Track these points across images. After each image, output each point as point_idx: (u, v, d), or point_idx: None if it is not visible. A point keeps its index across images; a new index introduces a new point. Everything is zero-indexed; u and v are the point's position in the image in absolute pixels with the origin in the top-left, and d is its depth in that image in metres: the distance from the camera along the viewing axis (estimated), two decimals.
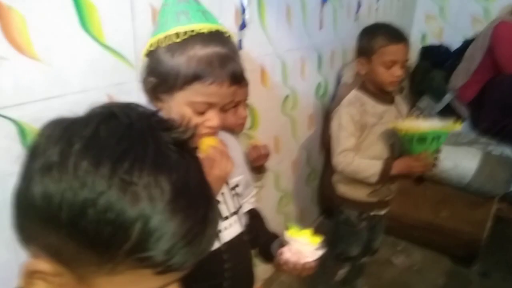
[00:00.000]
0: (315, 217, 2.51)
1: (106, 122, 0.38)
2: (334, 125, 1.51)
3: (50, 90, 0.84)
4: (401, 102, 1.60)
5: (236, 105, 1.11)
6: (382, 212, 1.66)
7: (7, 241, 0.66)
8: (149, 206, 0.36)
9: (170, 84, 0.74)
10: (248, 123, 1.48)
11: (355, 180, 1.50)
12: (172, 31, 0.73)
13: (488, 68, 2.50)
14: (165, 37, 0.73)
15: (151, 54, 0.76)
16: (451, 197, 2.26)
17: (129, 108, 0.41)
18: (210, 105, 0.77)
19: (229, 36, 0.78)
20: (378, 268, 2.14)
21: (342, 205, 1.64)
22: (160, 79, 0.75)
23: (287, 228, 0.87)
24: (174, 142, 0.40)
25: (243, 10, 1.34)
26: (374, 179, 1.45)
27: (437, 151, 1.43)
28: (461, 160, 2.27)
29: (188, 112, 0.76)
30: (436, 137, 1.36)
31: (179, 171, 0.39)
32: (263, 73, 1.60)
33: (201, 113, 0.77)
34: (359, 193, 1.56)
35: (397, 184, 1.60)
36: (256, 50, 1.49)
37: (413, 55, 2.97)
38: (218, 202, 0.45)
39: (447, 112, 2.66)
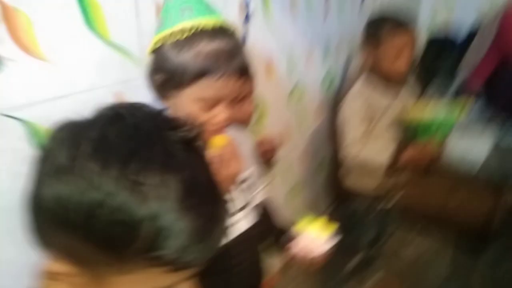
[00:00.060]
0: (326, 206, 2.51)
1: (113, 124, 0.38)
2: (340, 118, 1.50)
3: (57, 89, 0.85)
4: (410, 88, 1.59)
5: (242, 99, 1.10)
6: (390, 204, 1.66)
7: (18, 241, 0.68)
8: (158, 205, 0.36)
9: (178, 81, 0.75)
10: (255, 117, 1.48)
11: (363, 173, 1.50)
12: (177, 27, 0.73)
13: (497, 54, 2.46)
14: (170, 34, 0.73)
15: (157, 51, 0.76)
16: (460, 187, 2.23)
17: (135, 109, 0.41)
18: (218, 100, 0.77)
19: (233, 30, 0.78)
20: (387, 259, 2.14)
21: (351, 197, 1.63)
22: (167, 76, 0.76)
23: (300, 219, 0.86)
24: (181, 141, 0.40)
25: (247, 3, 1.33)
26: (382, 170, 1.44)
27: (443, 140, 1.41)
28: (470, 149, 2.25)
29: (196, 108, 0.76)
30: (441, 126, 1.35)
31: (187, 170, 0.39)
32: (268, 65, 1.59)
33: (210, 108, 0.77)
34: (368, 184, 1.56)
35: (404, 176, 1.59)
36: (261, 43, 1.48)
37: (420, 46, 2.92)
38: (227, 200, 0.45)
39: (461, 92, 2.61)
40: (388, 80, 1.47)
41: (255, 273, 1.01)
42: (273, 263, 1.57)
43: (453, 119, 1.37)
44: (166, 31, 0.74)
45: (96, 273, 0.38)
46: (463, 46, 2.72)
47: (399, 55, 1.39)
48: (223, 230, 0.44)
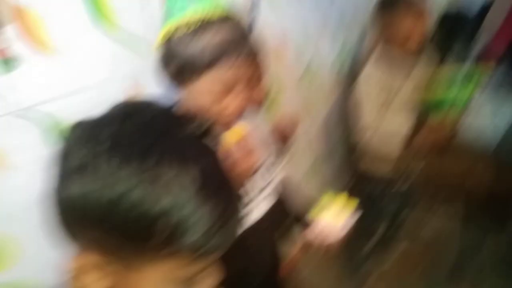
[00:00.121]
0: (347, 180, 2.51)
1: (127, 121, 0.39)
2: (354, 98, 1.48)
3: (73, 84, 0.86)
4: (422, 69, 1.55)
5: (254, 84, 1.10)
6: (407, 185, 1.64)
7: (41, 236, 0.71)
8: (178, 197, 0.37)
9: (187, 75, 0.75)
10: (269, 99, 1.48)
11: (378, 154, 1.48)
12: (183, 20, 0.73)
13: None
14: (176, 28, 0.73)
15: (165, 46, 0.76)
16: (479, 162, 2.20)
17: (146, 105, 0.42)
18: (230, 90, 0.77)
19: (239, 18, 0.77)
20: (405, 239, 2.13)
21: (366, 181, 1.62)
22: (177, 69, 0.76)
23: (320, 198, 0.86)
24: (194, 134, 0.41)
25: None
26: (397, 151, 1.42)
27: (460, 115, 1.38)
28: (488, 123, 2.20)
29: (207, 100, 0.76)
30: (455, 103, 1.32)
31: (202, 161, 0.40)
32: (279, 47, 1.57)
33: (222, 99, 0.77)
34: (382, 167, 1.54)
35: (421, 155, 1.56)
36: (271, 24, 1.46)
37: (433, 19, 2.83)
38: (240, 189, 0.46)
39: (484, 54, 2.53)
40: (402, 55, 1.43)
41: (272, 259, 1.02)
42: (291, 247, 1.58)
43: (469, 92, 1.34)
44: (173, 24, 0.74)
45: (125, 263, 0.40)
46: (480, 14, 2.62)
47: (413, 29, 1.35)
48: (240, 217, 0.45)
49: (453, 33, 2.69)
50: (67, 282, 0.44)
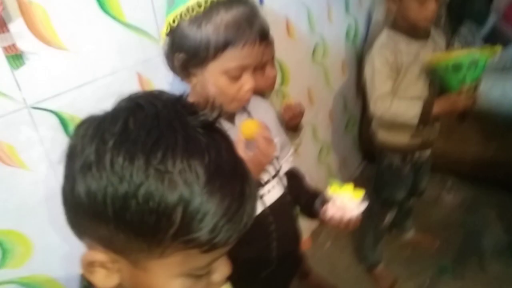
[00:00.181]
0: (358, 164, 2.50)
1: (133, 115, 0.39)
2: (368, 69, 1.45)
3: (81, 77, 0.86)
4: (437, 35, 1.50)
5: (264, 65, 1.09)
6: (427, 153, 1.62)
7: (59, 228, 0.72)
8: (187, 190, 0.37)
9: (202, 56, 0.74)
10: (278, 80, 1.46)
11: (396, 124, 1.46)
12: (191, 2, 0.72)
13: None
14: (187, 10, 0.72)
15: (174, 30, 0.75)
16: (500, 128, 2.14)
17: (153, 97, 0.41)
18: (244, 68, 0.77)
19: None
20: (428, 208, 2.13)
21: (384, 151, 1.61)
22: (189, 53, 0.75)
23: (329, 184, 0.87)
24: (201, 125, 0.41)
25: None
26: (414, 121, 1.39)
27: (478, 79, 1.33)
28: (510, 88, 2.13)
29: (223, 80, 0.76)
30: (473, 64, 1.27)
31: (211, 153, 0.39)
32: (288, 24, 1.54)
33: (237, 79, 0.77)
34: (400, 137, 1.52)
35: (440, 122, 1.53)
36: (278, 1, 1.43)
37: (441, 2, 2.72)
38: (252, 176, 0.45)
39: (492, 37, 2.46)
40: (415, 28, 1.39)
41: (293, 236, 1.04)
42: (304, 227, 1.59)
43: (486, 55, 1.28)
44: (180, 8, 0.72)
45: (135, 259, 0.40)
46: None
47: (425, 1, 1.30)
48: (254, 207, 0.44)
49: (461, 16, 2.60)
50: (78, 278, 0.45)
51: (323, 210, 0.87)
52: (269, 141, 0.81)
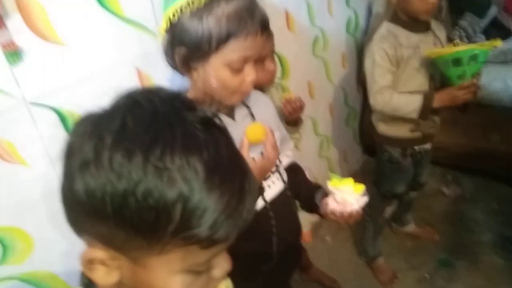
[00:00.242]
0: (358, 157, 2.50)
1: (131, 112, 0.39)
2: (368, 62, 1.44)
3: (80, 72, 0.86)
4: (438, 27, 1.49)
5: (263, 59, 1.08)
6: (427, 146, 1.62)
7: (58, 224, 0.72)
8: (186, 187, 0.37)
9: (204, 50, 0.74)
10: (278, 74, 1.45)
11: (396, 117, 1.45)
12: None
13: None
14: (187, 3, 0.71)
15: (174, 25, 0.74)
16: (501, 120, 2.13)
17: (151, 94, 0.41)
18: (246, 60, 0.76)
19: None
20: (429, 200, 2.13)
21: (385, 144, 1.60)
22: (191, 47, 0.74)
23: (329, 178, 0.87)
24: (200, 120, 0.40)
25: None
26: (415, 115, 1.39)
27: (478, 73, 1.33)
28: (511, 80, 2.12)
29: (226, 73, 0.76)
30: (473, 57, 1.26)
31: (209, 149, 0.39)
32: (288, 17, 1.53)
33: (239, 71, 0.77)
34: (401, 130, 1.52)
35: (441, 115, 1.53)
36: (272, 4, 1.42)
37: None
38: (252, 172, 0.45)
39: (494, 28, 2.44)
40: (415, 21, 1.38)
41: (294, 229, 1.04)
42: (304, 220, 1.59)
43: (485, 48, 1.27)
44: (180, 2, 0.72)
45: (135, 256, 0.40)
46: None
47: (423, 3, 1.30)
48: (254, 203, 0.44)
49: (462, 8, 2.57)
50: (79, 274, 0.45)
51: (323, 204, 0.87)
52: (275, 147, 0.81)
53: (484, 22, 2.55)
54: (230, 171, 0.41)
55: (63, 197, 0.41)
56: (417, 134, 1.52)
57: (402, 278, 1.79)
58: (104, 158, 0.36)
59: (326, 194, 0.88)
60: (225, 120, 0.83)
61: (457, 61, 1.28)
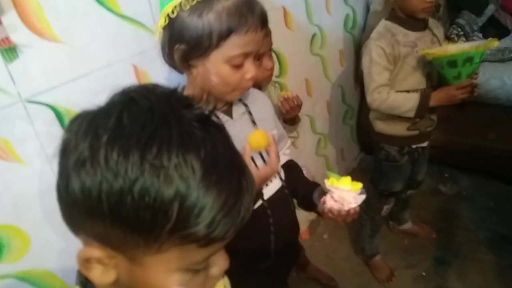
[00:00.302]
0: (356, 155, 2.50)
1: (127, 110, 0.38)
2: (365, 60, 1.44)
3: (76, 70, 0.85)
4: (436, 25, 1.49)
5: (260, 57, 1.08)
6: (424, 144, 1.62)
7: (54, 222, 0.72)
8: (183, 185, 0.37)
9: (205, 46, 0.73)
10: (276, 72, 1.45)
11: (393, 116, 1.45)
12: None
13: None
14: (181, 4, 0.71)
15: (173, 22, 0.74)
16: (499, 118, 2.14)
17: (147, 91, 0.41)
18: (247, 55, 0.76)
19: None
20: (426, 198, 2.14)
21: (382, 142, 1.60)
22: (191, 44, 0.74)
23: (327, 176, 0.87)
24: (196, 118, 0.40)
25: None
26: (411, 113, 1.39)
27: (474, 72, 1.33)
28: (509, 77, 2.12)
29: (226, 69, 0.75)
30: (468, 59, 1.27)
31: (206, 147, 0.39)
32: (286, 14, 1.53)
33: (239, 67, 0.76)
34: (398, 128, 1.52)
35: (438, 114, 1.53)
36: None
37: None
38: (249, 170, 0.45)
39: (491, 26, 2.45)
40: (412, 19, 1.38)
41: (292, 227, 1.04)
42: (302, 218, 1.60)
43: (480, 50, 1.27)
44: (174, 0, 0.71)
45: (132, 255, 0.40)
46: None
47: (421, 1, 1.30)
48: (252, 200, 0.44)
49: (459, 6, 2.57)
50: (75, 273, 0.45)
51: (321, 202, 0.87)
52: (278, 156, 0.81)
53: (482, 20, 2.55)
54: (227, 169, 0.41)
55: (59, 195, 0.40)
56: (414, 132, 1.52)
57: (399, 276, 1.80)
58: (100, 156, 0.36)
59: (323, 192, 0.87)
60: (223, 118, 0.83)
61: (452, 63, 1.29)
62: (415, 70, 1.42)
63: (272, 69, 1.17)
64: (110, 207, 0.36)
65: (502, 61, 2.19)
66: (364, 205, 0.86)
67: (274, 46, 1.19)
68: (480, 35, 2.36)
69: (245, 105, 0.89)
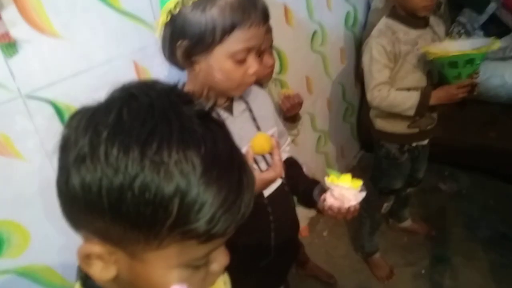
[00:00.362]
0: (356, 152, 2.50)
1: (127, 106, 0.38)
2: (366, 58, 1.44)
3: (76, 65, 0.85)
4: (437, 23, 1.49)
5: (261, 53, 1.07)
6: (425, 142, 1.62)
7: (54, 218, 0.72)
8: (183, 181, 0.36)
9: (208, 41, 0.73)
10: (276, 69, 1.45)
11: (393, 114, 1.45)
12: None
13: None
14: (182, 0, 0.70)
15: (175, 18, 0.74)
16: (499, 116, 2.14)
17: (147, 87, 0.40)
18: (250, 50, 0.76)
19: None
20: (425, 196, 2.14)
21: (382, 139, 1.60)
22: (194, 39, 0.73)
23: (327, 173, 0.87)
24: (197, 114, 0.40)
25: None
26: (411, 112, 1.39)
27: (475, 73, 1.33)
28: (510, 75, 2.12)
29: (229, 65, 0.75)
30: (469, 61, 1.26)
31: (207, 143, 0.39)
32: (286, 11, 1.53)
33: (242, 62, 0.76)
34: (398, 126, 1.52)
35: (438, 112, 1.53)
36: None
37: None
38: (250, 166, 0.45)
39: (492, 24, 2.44)
40: (413, 17, 1.37)
41: (292, 224, 1.04)
42: (302, 215, 1.60)
43: (482, 52, 1.27)
44: None
45: (130, 251, 0.40)
46: None
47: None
48: (252, 197, 0.44)
49: (461, 4, 2.57)
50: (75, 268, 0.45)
51: (321, 200, 0.87)
52: (281, 160, 0.81)
53: (483, 18, 2.55)
54: (227, 165, 0.40)
55: (59, 191, 0.40)
56: (414, 130, 1.52)
57: (398, 274, 1.80)
58: (100, 152, 0.36)
59: (324, 189, 0.87)
60: (223, 115, 0.83)
61: (453, 64, 1.28)
62: (416, 68, 1.42)
63: (272, 66, 1.16)
64: (110, 203, 0.36)
65: (502, 59, 2.19)
66: (364, 203, 0.86)
67: (275, 43, 1.19)
68: (481, 33, 2.35)
69: (246, 102, 0.89)
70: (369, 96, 1.43)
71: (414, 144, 1.59)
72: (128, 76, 0.95)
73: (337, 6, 1.86)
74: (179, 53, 0.76)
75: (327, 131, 2.09)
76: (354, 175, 0.85)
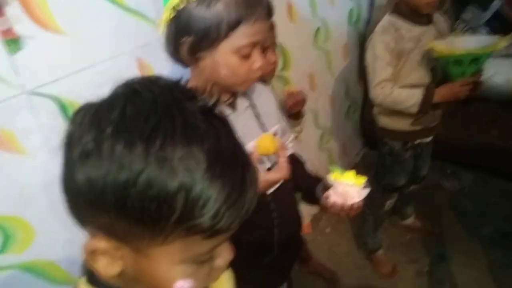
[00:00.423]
0: (359, 150, 2.50)
1: (131, 101, 0.38)
2: (369, 55, 1.43)
3: (80, 62, 0.85)
4: (440, 20, 1.48)
5: (264, 50, 1.07)
6: (428, 139, 1.61)
7: (58, 215, 0.72)
8: (188, 177, 0.36)
9: (213, 37, 0.73)
10: (280, 65, 1.44)
11: (396, 111, 1.45)
12: None
13: None
14: None
15: (179, 14, 0.73)
16: (502, 114, 2.13)
17: (150, 83, 0.41)
18: (255, 45, 0.76)
19: None
20: (428, 193, 2.13)
21: (385, 137, 1.60)
22: (199, 35, 0.73)
23: (330, 170, 0.86)
24: (200, 110, 0.40)
25: None
26: (415, 109, 1.39)
27: (479, 71, 1.32)
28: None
29: (234, 60, 0.75)
30: (474, 60, 1.26)
31: (210, 139, 0.39)
32: (290, 7, 1.52)
33: (247, 57, 0.76)
34: (401, 123, 1.52)
35: (441, 109, 1.52)
36: None
37: None
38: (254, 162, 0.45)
39: (496, 21, 2.43)
40: (417, 13, 1.37)
41: (295, 221, 1.04)
42: (305, 212, 1.60)
43: (487, 51, 1.26)
44: None
45: (135, 246, 0.40)
46: None
47: None
48: (256, 193, 0.44)
49: (465, 0, 2.55)
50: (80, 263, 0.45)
51: (324, 196, 0.87)
52: (287, 162, 0.81)
53: (487, 15, 2.53)
54: (231, 161, 0.40)
55: (63, 187, 0.40)
56: (418, 127, 1.52)
57: (401, 271, 1.80)
58: (105, 149, 0.36)
59: (327, 186, 0.87)
60: (227, 111, 0.83)
61: (458, 62, 1.28)
62: (419, 65, 1.41)
63: (275, 63, 1.16)
64: (115, 199, 0.36)
65: (506, 56, 2.18)
66: (367, 200, 0.86)
67: (278, 40, 1.19)
68: (486, 29, 2.34)
69: (249, 99, 0.89)
70: (372, 93, 1.43)
71: (417, 141, 1.59)
72: (131, 72, 0.95)
73: (340, 3, 1.85)
74: (183, 49, 0.76)
75: (330, 128, 2.09)
76: (358, 172, 0.85)
